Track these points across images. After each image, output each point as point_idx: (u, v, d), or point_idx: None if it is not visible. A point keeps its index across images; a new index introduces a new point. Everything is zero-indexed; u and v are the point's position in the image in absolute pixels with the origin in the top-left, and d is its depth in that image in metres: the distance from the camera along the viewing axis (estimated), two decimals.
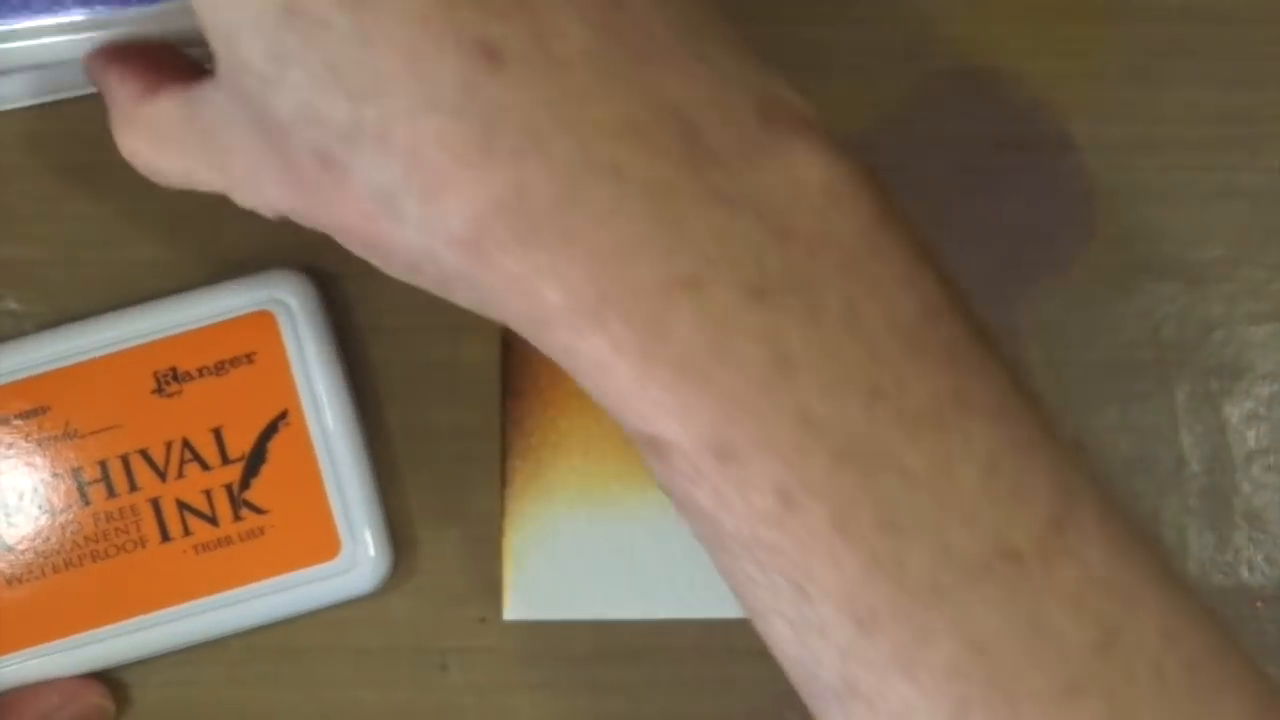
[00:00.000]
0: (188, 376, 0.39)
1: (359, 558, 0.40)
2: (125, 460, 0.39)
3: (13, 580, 0.39)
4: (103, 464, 0.39)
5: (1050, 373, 0.42)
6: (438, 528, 0.41)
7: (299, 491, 0.39)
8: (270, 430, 0.39)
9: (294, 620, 0.40)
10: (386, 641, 0.41)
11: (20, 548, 0.39)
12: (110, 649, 0.39)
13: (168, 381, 0.39)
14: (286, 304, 0.40)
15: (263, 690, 0.41)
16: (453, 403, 0.41)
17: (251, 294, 0.40)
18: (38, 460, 0.39)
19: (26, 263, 0.41)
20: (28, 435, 0.39)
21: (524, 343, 0.41)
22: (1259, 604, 0.41)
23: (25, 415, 0.39)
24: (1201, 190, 0.42)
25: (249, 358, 0.40)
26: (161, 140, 0.32)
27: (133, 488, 0.39)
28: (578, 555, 0.41)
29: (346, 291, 0.41)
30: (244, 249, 0.41)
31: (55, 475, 0.39)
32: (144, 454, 0.39)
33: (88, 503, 0.39)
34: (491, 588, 0.41)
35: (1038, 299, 0.42)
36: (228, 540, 0.39)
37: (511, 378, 0.41)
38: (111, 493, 0.39)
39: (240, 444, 0.39)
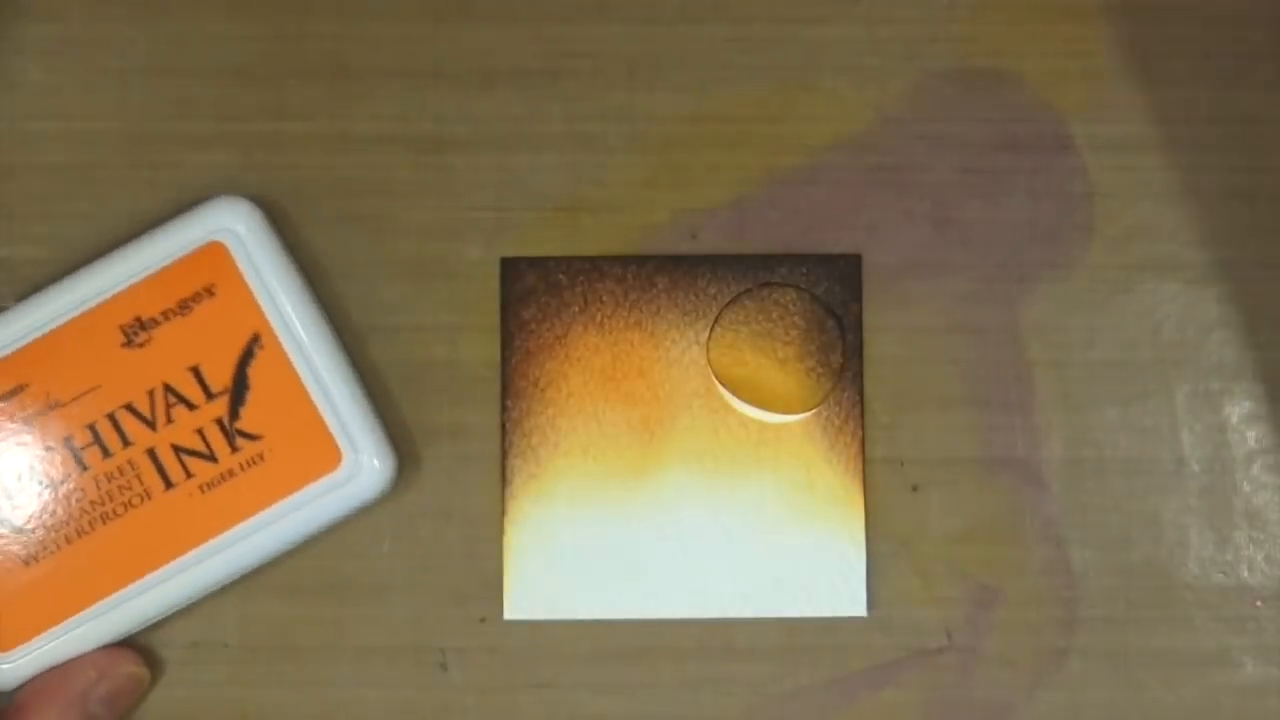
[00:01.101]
0: (153, 322, 0.39)
1: (362, 464, 0.39)
2: (112, 418, 0.39)
3: (29, 560, 0.39)
4: (91, 427, 0.39)
5: (1050, 373, 0.42)
6: (438, 527, 0.41)
7: (289, 410, 0.39)
8: (247, 356, 0.39)
9: (308, 547, 0.40)
10: (387, 641, 0.41)
11: (30, 527, 0.39)
12: (139, 608, 0.39)
13: (135, 332, 0.39)
14: (235, 231, 0.40)
15: (263, 690, 0.41)
16: (453, 403, 0.41)
17: (197, 228, 0.40)
18: (27, 437, 0.39)
19: (26, 263, 0.41)
20: (11, 415, 0.39)
21: (524, 342, 0.41)
22: (1259, 604, 0.41)
23: (5, 396, 0.39)
24: (1201, 190, 0.42)
25: (209, 290, 0.40)
26: None
27: (126, 443, 0.39)
28: (578, 555, 0.41)
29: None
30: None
31: (48, 448, 0.39)
32: (129, 408, 0.39)
33: (85, 468, 0.39)
34: (491, 587, 0.41)
35: (1038, 299, 0.42)
36: (230, 473, 0.39)
37: (511, 378, 0.41)
38: (106, 453, 0.39)
39: (220, 376, 0.39)
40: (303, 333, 0.39)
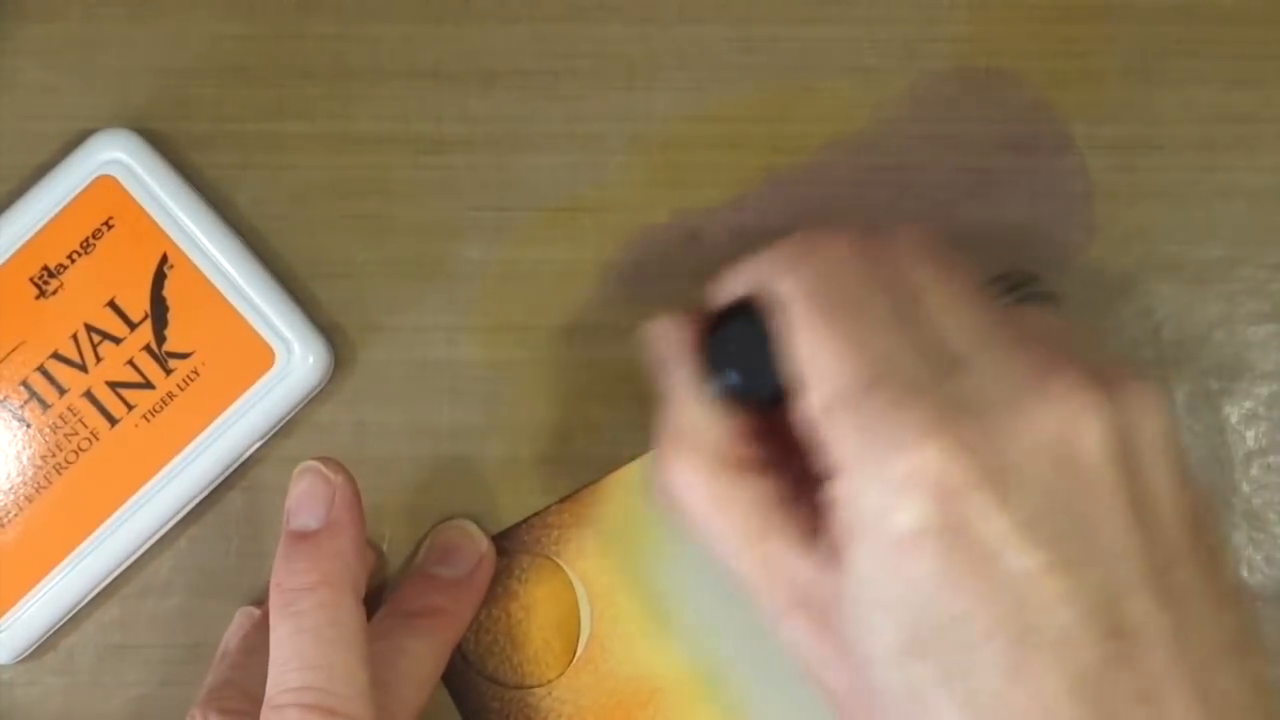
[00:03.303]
0: (61, 268, 0.40)
1: (296, 355, 0.40)
2: (43, 370, 0.40)
3: (2, 526, 0.39)
4: (25, 384, 0.40)
5: None
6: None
7: (212, 321, 0.40)
8: (159, 279, 0.40)
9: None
10: None
11: None
12: (116, 547, 0.40)
13: (45, 281, 0.40)
14: (121, 161, 0.40)
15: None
16: (453, 403, 0.41)
17: (83, 166, 0.40)
18: None
19: None
20: None
21: None
22: (1259, 604, 0.41)
23: None
24: (1201, 190, 0.42)
25: (108, 224, 0.40)
26: (728, 507, 0.32)
27: (62, 392, 0.40)
28: None
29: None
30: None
31: None
32: (57, 356, 0.40)
33: (28, 425, 0.40)
34: None
35: (1038, 299, 0.42)
36: (170, 396, 0.40)
37: None
38: (45, 406, 0.40)
39: (138, 304, 0.40)
40: (208, 243, 0.40)
